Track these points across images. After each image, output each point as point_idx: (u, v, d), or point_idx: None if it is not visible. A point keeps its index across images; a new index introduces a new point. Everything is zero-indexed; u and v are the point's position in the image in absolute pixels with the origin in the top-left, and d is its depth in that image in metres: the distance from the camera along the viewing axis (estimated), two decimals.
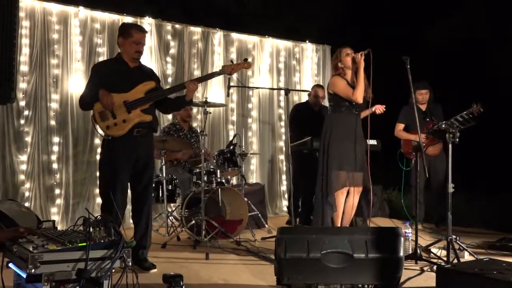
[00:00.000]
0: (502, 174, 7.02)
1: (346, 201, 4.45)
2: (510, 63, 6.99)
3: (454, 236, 4.07)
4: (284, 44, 7.65)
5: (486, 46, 7.35)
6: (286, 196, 7.51)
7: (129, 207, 4.19)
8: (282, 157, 7.59)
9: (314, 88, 6.48)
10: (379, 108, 5.05)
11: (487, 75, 7.38)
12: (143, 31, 3.98)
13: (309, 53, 7.92)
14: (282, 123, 7.59)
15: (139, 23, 6.30)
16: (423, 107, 5.94)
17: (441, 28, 7.48)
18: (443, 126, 4.05)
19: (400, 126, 6.00)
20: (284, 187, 7.54)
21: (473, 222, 6.13)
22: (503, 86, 7.27)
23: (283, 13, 7.59)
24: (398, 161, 5.89)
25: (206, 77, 4.51)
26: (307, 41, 7.87)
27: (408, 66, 4.04)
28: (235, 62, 4.23)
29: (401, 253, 2.94)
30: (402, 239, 2.98)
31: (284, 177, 7.57)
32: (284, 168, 7.56)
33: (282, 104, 7.61)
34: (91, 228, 2.41)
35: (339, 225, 4.33)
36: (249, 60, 4.29)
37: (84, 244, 2.31)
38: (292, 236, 3.03)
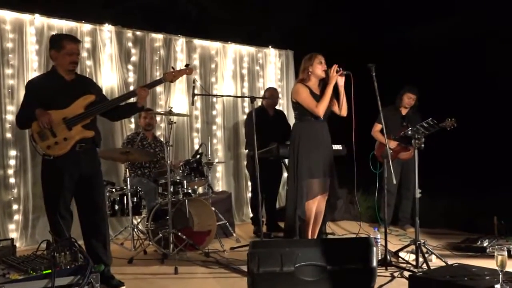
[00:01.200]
0: (464, 174, 7.19)
1: (317, 209, 4.42)
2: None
3: (422, 241, 4.12)
4: (247, 50, 7.61)
5: (452, 56, 7.51)
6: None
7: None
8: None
9: (269, 90, 6.46)
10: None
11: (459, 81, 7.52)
12: (75, 41, 3.83)
13: (272, 59, 7.90)
14: None
15: (98, 30, 6.15)
16: (403, 111, 6.00)
17: (404, 33, 7.59)
18: (409, 132, 4.10)
19: (378, 127, 6.01)
20: (250, 194, 7.47)
21: (437, 222, 6.25)
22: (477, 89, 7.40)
23: (246, 18, 7.53)
24: (370, 164, 5.93)
25: (153, 84, 4.30)
26: (270, 47, 7.85)
27: (374, 73, 4.05)
28: (176, 69, 4.14)
29: (374, 263, 2.94)
30: (374, 249, 2.98)
31: (250, 184, 7.49)
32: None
33: (246, 110, 7.57)
34: (55, 252, 2.29)
35: (309, 235, 4.30)
36: (191, 66, 4.28)
37: (49, 271, 2.19)
38: (265, 250, 2.99)
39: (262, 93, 7.55)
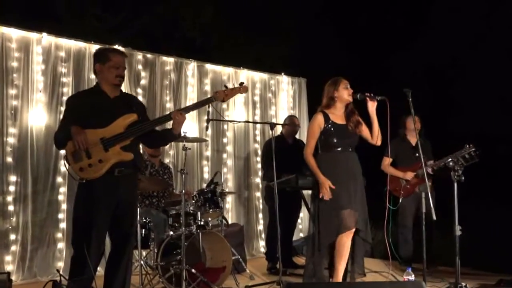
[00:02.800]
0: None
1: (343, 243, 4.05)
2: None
3: (463, 284, 3.74)
4: (259, 76, 7.35)
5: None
6: (263, 236, 7.05)
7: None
8: (258, 194, 7.17)
9: (289, 118, 6.17)
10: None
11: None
12: (122, 54, 3.56)
13: (285, 86, 7.65)
14: (259, 159, 7.21)
15: None
16: (413, 141, 5.66)
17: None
18: (451, 163, 3.76)
19: (387, 160, 5.68)
20: (261, 227, 7.10)
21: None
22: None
23: (258, 44, 7.32)
24: (385, 199, 5.59)
25: (194, 106, 3.93)
26: (282, 74, 7.61)
27: (410, 99, 3.76)
28: (229, 87, 3.75)
29: None
30: None
31: (261, 215, 7.13)
32: (261, 206, 7.13)
33: (258, 138, 7.27)
34: None
35: (340, 275, 3.90)
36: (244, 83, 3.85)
37: None
38: None
39: (274, 121, 7.26)
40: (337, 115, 4.23)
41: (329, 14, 8.29)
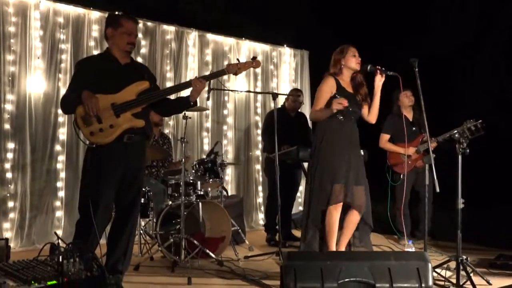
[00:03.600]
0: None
1: (348, 217, 3.98)
2: None
3: (464, 257, 3.71)
4: (261, 48, 7.23)
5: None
6: (262, 208, 7.04)
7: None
8: (258, 166, 7.13)
9: (294, 91, 6.07)
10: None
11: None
12: (135, 21, 3.47)
13: (287, 58, 7.52)
14: (259, 131, 7.14)
15: None
16: (410, 116, 5.58)
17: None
18: (456, 135, 3.69)
19: (386, 137, 5.61)
20: (260, 199, 7.08)
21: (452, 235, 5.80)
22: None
23: (261, 16, 7.16)
24: (386, 174, 5.54)
25: (210, 76, 3.86)
26: (285, 45, 7.47)
27: (416, 69, 3.65)
28: (241, 61, 3.66)
29: (430, 282, 2.53)
30: (430, 265, 2.56)
31: (260, 188, 7.10)
32: (261, 179, 7.10)
33: (259, 110, 7.18)
34: (63, 259, 1.87)
35: (333, 247, 3.85)
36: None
37: (55, 282, 1.77)
38: (302, 263, 2.57)
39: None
40: (346, 82, 4.10)
41: None
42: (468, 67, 6.49)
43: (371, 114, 4.13)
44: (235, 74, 3.65)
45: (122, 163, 3.34)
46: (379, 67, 3.96)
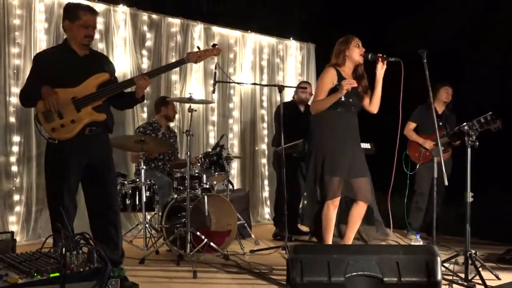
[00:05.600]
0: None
1: (353, 210, 3.93)
2: None
3: (473, 251, 3.65)
4: (267, 41, 7.18)
5: None
6: (268, 203, 7.01)
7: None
8: (264, 160, 7.10)
9: (302, 84, 6.01)
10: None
11: None
12: (93, 12, 3.40)
13: (293, 51, 7.47)
14: (265, 125, 7.10)
15: (112, 11, 5.72)
16: (440, 110, 5.51)
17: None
18: (466, 128, 3.63)
19: (411, 125, 5.55)
20: (266, 193, 7.05)
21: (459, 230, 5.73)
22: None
23: (267, 8, 7.07)
24: (403, 165, 5.46)
25: (164, 69, 3.89)
26: (291, 38, 7.42)
27: (425, 60, 3.59)
28: (202, 49, 3.64)
29: (439, 277, 2.48)
30: (439, 259, 2.52)
31: (266, 182, 7.07)
32: (267, 173, 7.07)
33: (265, 104, 7.14)
34: (66, 251, 1.84)
35: (329, 242, 3.79)
36: (217, 46, 3.70)
37: (58, 274, 1.74)
38: (309, 256, 2.52)
39: None
40: (347, 73, 4.03)
41: None
42: (468, 67, 6.43)
43: (373, 104, 4.06)
44: (195, 62, 3.65)
45: (84, 155, 3.33)
46: (380, 55, 3.90)
